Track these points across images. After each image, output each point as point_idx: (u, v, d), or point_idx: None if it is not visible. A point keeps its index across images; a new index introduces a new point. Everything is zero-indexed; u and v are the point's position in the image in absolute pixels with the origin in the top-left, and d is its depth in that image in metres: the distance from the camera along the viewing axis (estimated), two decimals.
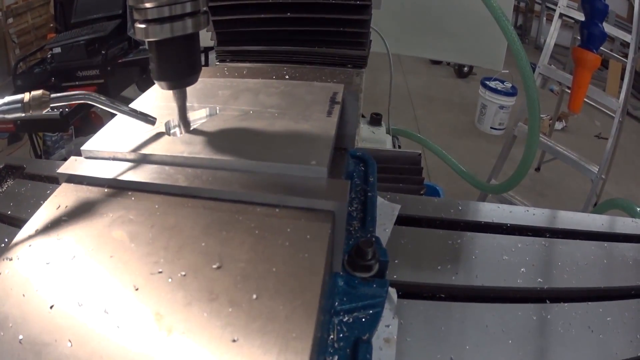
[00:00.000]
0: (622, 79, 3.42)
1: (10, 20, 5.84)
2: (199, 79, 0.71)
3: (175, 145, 0.66)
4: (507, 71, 3.98)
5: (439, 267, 0.82)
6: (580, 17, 2.78)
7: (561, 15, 3.25)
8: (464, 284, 0.79)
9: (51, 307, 0.47)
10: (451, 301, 0.77)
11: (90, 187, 0.62)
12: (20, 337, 0.45)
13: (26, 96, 0.61)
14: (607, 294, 0.82)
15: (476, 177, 2.48)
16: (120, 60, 3.82)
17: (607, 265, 0.87)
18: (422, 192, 1.32)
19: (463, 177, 2.52)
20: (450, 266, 0.82)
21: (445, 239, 0.89)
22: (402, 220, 0.92)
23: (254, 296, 0.45)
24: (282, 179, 0.59)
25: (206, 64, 3.86)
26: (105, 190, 0.61)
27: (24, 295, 0.49)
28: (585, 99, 2.81)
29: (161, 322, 0.44)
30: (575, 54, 2.43)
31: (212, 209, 0.57)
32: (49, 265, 0.52)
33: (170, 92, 0.70)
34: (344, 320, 0.60)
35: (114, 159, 0.65)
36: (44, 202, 0.61)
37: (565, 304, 0.78)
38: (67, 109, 3.04)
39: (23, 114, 0.62)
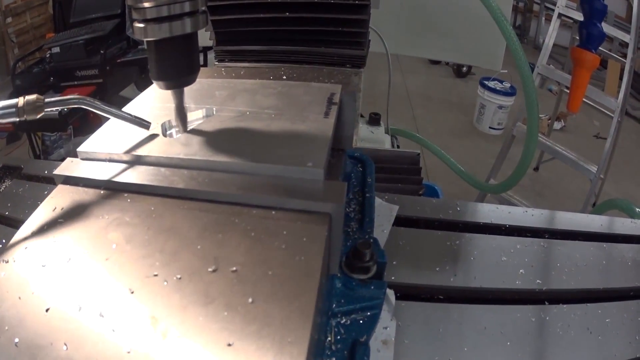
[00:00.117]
0: (620, 78, 3.42)
1: (9, 19, 5.84)
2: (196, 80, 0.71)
3: (171, 147, 0.66)
4: (506, 71, 3.98)
5: (437, 269, 0.82)
6: (579, 17, 2.78)
7: (560, 15, 3.25)
8: (463, 286, 0.79)
9: (47, 310, 0.47)
10: (449, 303, 0.77)
11: (86, 189, 0.62)
12: (16, 340, 0.44)
13: (20, 101, 0.61)
14: (606, 295, 0.82)
15: (475, 177, 2.47)
16: (119, 60, 3.83)
17: (606, 266, 0.87)
18: (420, 192, 1.32)
19: (462, 177, 2.52)
20: (448, 267, 0.82)
21: (444, 240, 0.89)
22: (401, 221, 0.91)
23: (250, 300, 0.45)
24: (278, 180, 0.59)
25: (205, 64, 3.86)
26: (102, 192, 0.61)
27: (20, 297, 0.49)
28: (584, 99, 2.81)
29: (156, 326, 0.43)
30: (574, 54, 2.43)
31: (208, 211, 0.56)
32: (45, 268, 0.51)
33: (168, 92, 0.70)
34: (342, 322, 0.60)
35: (110, 160, 0.65)
36: (41, 202, 0.60)
37: (564, 306, 0.77)
38: (65, 109, 3.04)
39: (17, 119, 0.61)
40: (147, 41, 0.65)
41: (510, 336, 0.71)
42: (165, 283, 0.47)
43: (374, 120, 2.04)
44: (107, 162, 0.65)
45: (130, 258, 0.51)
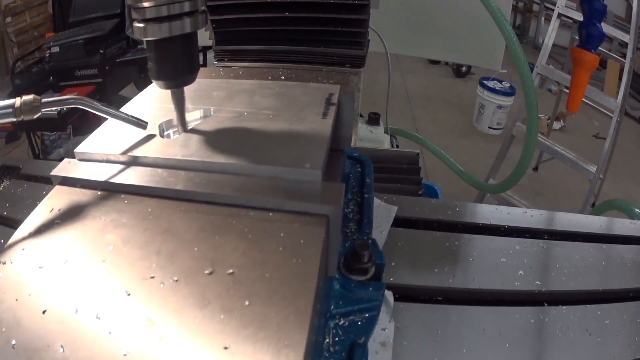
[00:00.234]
0: (620, 79, 3.42)
1: (9, 19, 5.83)
2: None
3: (168, 148, 0.65)
4: (506, 71, 3.98)
5: (436, 270, 0.81)
6: (579, 17, 2.78)
7: (559, 15, 3.25)
8: (461, 287, 0.79)
9: (44, 312, 0.47)
10: (448, 304, 0.77)
11: (83, 190, 0.61)
12: (13, 342, 0.44)
13: (17, 101, 0.61)
14: (606, 296, 0.82)
15: (474, 177, 2.47)
16: (118, 60, 3.82)
17: (605, 268, 0.87)
18: (420, 192, 1.32)
19: (461, 177, 2.52)
20: (447, 269, 0.82)
21: (443, 241, 0.89)
22: (399, 222, 0.91)
23: (246, 302, 0.45)
24: (276, 182, 0.59)
25: (204, 64, 3.86)
26: (99, 193, 0.61)
27: (16, 299, 0.48)
28: (583, 99, 2.81)
29: (153, 329, 0.43)
30: (573, 54, 2.43)
31: (205, 212, 0.56)
32: (41, 269, 0.51)
33: (167, 92, 0.70)
34: (340, 323, 0.60)
35: (107, 161, 0.65)
36: (39, 203, 0.60)
37: (563, 307, 0.77)
38: (64, 109, 3.03)
39: (14, 119, 0.61)
40: (146, 41, 0.65)
41: (509, 338, 0.71)
42: (162, 285, 0.47)
43: (374, 120, 2.04)
44: (105, 163, 0.65)
45: (127, 260, 0.51)
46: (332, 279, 0.63)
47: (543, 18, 7.83)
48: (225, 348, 0.41)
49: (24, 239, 0.55)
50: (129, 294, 0.47)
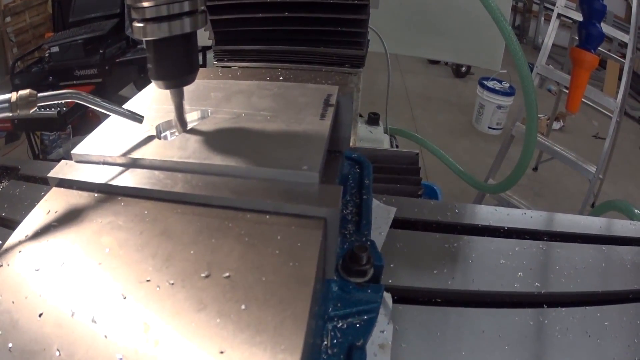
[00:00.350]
0: (619, 79, 3.42)
1: (8, 19, 5.83)
2: None
3: (165, 150, 0.65)
4: (505, 71, 3.98)
5: (435, 272, 0.81)
6: (578, 17, 2.78)
7: (559, 15, 3.25)
8: (461, 289, 0.79)
9: (40, 315, 0.47)
10: (447, 306, 0.76)
11: (80, 192, 0.61)
12: (10, 345, 0.44)
13: (13, 96, 0.61)
14: (605, 298, 0.81)
15: (474, 177, 2.47)
16: (118, 60, 3.82)
17: (605, 269, 0.87)
18: (420, 192, 1.31)
19: (461, 177, 2.52)
20: (446, 270, 0.82)
21: (442, 243, 0.88)
22: (398, 224, 0.91)
23: (243, 306, 0.44)
24: (273, 184, 0.58)
25: (204, 64, 3.86)
26: (95, 195, 0.60)
27: (13, 302, 0.48)
28: (583, 99, 2.81)
29: (148, 333, 0.43)
30: (573, 54, 2.42)
31: (202, 215, 0.56)
32: (38, 272, 0.51)
33: (164, 93, 0.69)
34: (338, 326, 0.59)
35: (104, 163, 0.64)
36: (38, 204, 0.60)
37: (563, 309, 0.77)
38: (64, 108, 3.04)
39: (10, 114, 0.61)
40: (146, 41, 0.64)
41: (509, 340, 0.71)
42: (158, 288, 0.47)
43: (373, 120, 2.04)
44: (102, 165, 0.64)
45: (123, 263, 0.50)
46: (330, 282, 0.63)
47: (543, 18, 7.84)
48: (221, 352, 0.41)
49: (21, 241, 0.55)
50: (125, 297, 0.47)
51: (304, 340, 0.41)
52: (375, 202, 0.91)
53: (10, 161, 1.12)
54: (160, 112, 0.75)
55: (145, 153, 0.64)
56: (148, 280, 0.48)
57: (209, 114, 0.75)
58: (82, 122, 3.49)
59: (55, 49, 3.65)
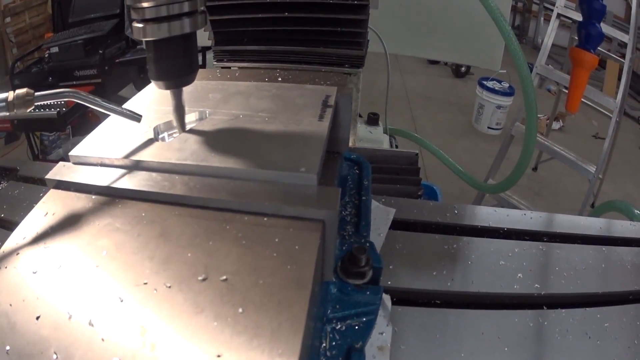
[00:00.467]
0: (619, 79, 3.42)
1: (8, 19, 5.83)
2: None
3: (163, 151, 0.65)
4: (505, 71, 3.98)
5: (434, 273, 0.81)
6: (578, 17, 2.78)
7: (559, 15, 3.25)
8: (460, 290, 0.78)
9: (37, 318, 0.47)
10: (446, 308, 0.76)
11: (78, 194, 0.61)
12: (8, 347, 0.44)
13: (10, 95, 0.61)
14: (605, 299, 0.81)
15: (473, 177, 2.47)
16: (117, 60, 3.82)
17: (605, 270, 0.86)
18: (419, 193, 1.31)
19: (460, 177, 2.51)
20: (445, 272, 0.81)
21: (441, 244, 0.88)
22: (397, 225, 0.90)
23: (240, 310, 0.44)
24: (271, 186, 0.58)
25: (204, 64, 3.86)
26: (93, 197, 0.60)
27: (10, 305, 0.48)
28: (582, 99, 2.81)
29: (145, 336, 0.43)
30: (572, 54, 2.42)
31: (199, 217, 0.55)
32: (35, 275, 0.51)
33: (163, 94, 0.69)
34: (337, 328, 0.59)
35: (102, 165, 0.64)
36: (35, 205, 0.60)
37: (563, 310, 0.77)
38: (64, 109, 3.03)
39: (7, 113, 0.61)
40: (145, 41, 0.64)
41: (508, 341, 0.70)
42: (155, 291, 0.47)
43: (373, 120, 2.04)
44: (99, 167, 0.64)
45: (120, 265, 0.50)
46: (329, 283, 0.63)
47: (542, 18, 7.84)
48: (219, 356, 0.41)
49: (18, 243, 0.55)
50: (122, 300, 0.47)
51: (302, 344, 0.41)
52: (374, 203, 0.90)
53: (9, 162, 1.11)
54: (158, 113, 0.75)
55: (143, 155, 0.64)
56: (145, 283, 0.48)
57: (207, 115, 0.74)
58: (82, 122, 3.49)
59: (55, 50, 3.65)
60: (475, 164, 4.41)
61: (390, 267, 0.80)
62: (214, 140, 0.67)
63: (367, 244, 0.72)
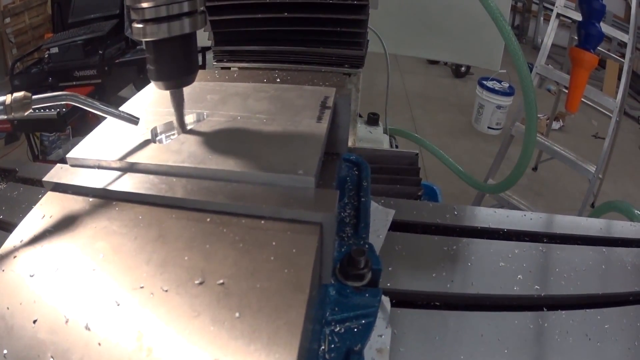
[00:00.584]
0: (619, 78, 3.42)
1: (8, 20, 5.84)
2: None
3: (160, 153, 0.64)
4: (505, 71, 3.98)
5: (434, 275, 0.80)
6: (578, 17, 2.78)
7: (558, 15, 3.25)
8: (460, 292, 0.78)
9: (34, 322, 0.46)
10: (446, 310, 0.76)
11: (75, 197, 0.61)
12: (5, 351, 0.44)
13: (8, 98, 0.61)
14: (605, 300, 0.81)
15: (473, 177, 2.46)
16: (117, 60, 3.82)
17: (605, 271, 0.86)
18: (419, 193, 1.31)
19: (460, 177, 2.51)
20: (445, 273, 0.81)
21: (441, 245, 0.88)
22: (397, 226, 0.90)
23: (237, 314, 0.44)
24: (268, 189, 0.58)
25: (203, 64, 3.86)
26: (90, 199, 0.60)
27: (8, 308, 0.48)
28: (582, 99, 2.81)
29: (142, 341, 0.42)
30: (572, 53, 2.42)
31: (197, 220, 0.55)
32: (32, 278, 0.51)
33: (161, 95, 0.69)
34: (336, 330, 0.59)
35: (99, 167, 0.64)
36: (33, 207, 0.60)
37: (563, 312, 0.76)
38: (64, 109, 3.03)
39: (5, 116, 0.61)
40: (145, 41, 0.64)
41: (508, 343, 0.70)
42: (152, 295, 0.46)
43: (373, 120, 2.04)
44: (96, 169, 0.64)
45: (117, 269, 0.50)
46: (327, 285, 0.63)
47: (542, 18, 7.85)
48: None
49: (15, 246, 0.55)
50: (118, 304, 0.46)
51: (299, 349, 0.40)
52: (373, 205, 0.90)
53: (8, 163, 1.11)
54: (156, 114, 0.75)
55: (140, 157, 0.64)
56: (142, 287, 0.47)
57: (205, 117, 0.74)
58: (82, 122, 3.49)
59: (55, 50, 3.66)
60: (475, 163, 4.41)
61: (390, 268, 0.80)
62: (212, 142, 0.67)
63: (366, 246, 0.71)
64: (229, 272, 0.48)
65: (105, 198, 0.60)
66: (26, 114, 0.62)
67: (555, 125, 5.39)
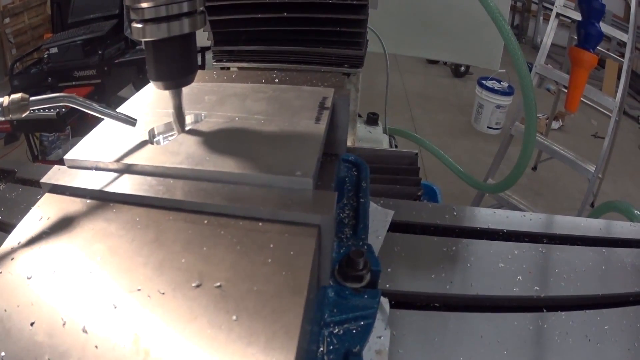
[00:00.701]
0: (618, 78, 3.42)
1: (7, 20, 5.83)
2: None
3: (158, 155, 0.64)
4: (504, 71, 3.98)
5: (433, 276, 0.80)
6: (577, 16, 2.78)
7: (558, 14, 3.25)
8: (459, 293, 0.78)
9: (32, 324, 0.46)
10: (445, 311, 0.75)
11: (72, 198, 0.61)
12: (2, 354, 0.44)
13: (5, 100, 0.61)
14: (605, 301, 0.80)
15: (473, 177, 2.46)
16: (117, 61, 3.82)
17: (605, 272, 0.86)
18: (419, 193, 1.31)
19: (460, 177, 2.51)
20: (444, 274, 0.81)
21: (440, 246, 0.87)
22: (396, 227, 0.90)
23: (234, 317, 0.43)
24: (266, 191, 0.57)
25: (203, 64, 3.86)
26: (87, 201, 0.60)
27: (5, 310, 0.48)
28: (581, 99, 2.81)
29: (138, 344, 0.42)
30: (572, 53, 2.43)
31: (194, 222, 0.55)
32: (30, 280, 0.51)
33: (159, 96, 0.69)
34: (334, 332, 0.59)
35: (97, 168, 0.64)
36: (31, 209, 0.60)
37: (563, 313, 0.76)
38: (63, 109, 3.03)
39: (3, 118, 0.61)
40: (145, 41, 0.64)
41: (508, 345, 0.70)
42: (149, 298, 0.46)
43: (372, 120, 2.04)
44: (94, 171, 0.64)
45: (114, 271, 0.50)
46: (326, 287, 0.62)
47: (541, 18, 7.85)
48: None
49: (13, 248, 0.55)
50: (115, 307, 0.46)
51: (296, 353, 0.40)
52: (372, 205, 0.90)
53: (7, 164, 1.11)
54: (154, 115, 0.75)
55: (138, 158, 0.63)
56: (139, 290, 0.47)
57: (203, 118, 0.74)
58: (81, 122, 3.49)
59: (54, 50, 3.65)
60: (474, 163, 4.41)
61: (389, 269, 0.80)
62: (209, 143, 0.66)
63: (365, 247, 0.71)
64: (226, 274, 0.48)
65: (103, 200, 0.59)
66: (24, 115, 0.62)
67: (555, 124, 5.38)
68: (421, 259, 0.85)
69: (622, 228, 1.00)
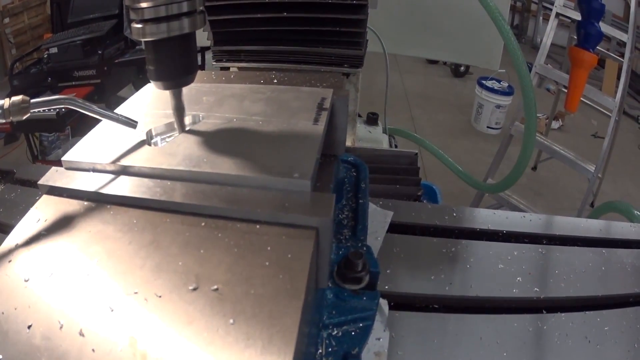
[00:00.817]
0: (618, 78, 3.42)
1: (7, 20, 5.84)
2: None
3: (155, 156, 0.64)
4: (504, 70, 3.98)
5: (432, 277, 0.80)
6: (577, 16, 2.78)
7: (558, 14, 3.25)
8: (458, 295, 0.78)
9: (29, 327, 0.46)
10: (445, 312, 0.75)
11: (70, 200, 0.60)
12: (0, 357, 0.43)
13: (6, 102, 0.60)
14: (605, 302, 0.80)
15: (473, 177, 2.46)
16: (116, 60, 3.83)
17: (605, 273, 0.86)
18: (419, 193, 1.30)
19: (460, 177, 2.51)
20: (444, 276, 0.80)
21: (440, 247, 0.87)
22: (395, 228, 0.90)
23: (231, 321, 0.43)
24: (263, 193, 0.57)
25: (202, 64, 3.86)
26: (85, 203, 0.59)
27: (2, 313, 0.48)
28: (581, 98, 2.80)
29: (135, 347, 0.42)
30: (571, 53, 2.42)
31: (191, 224, 0.54)
32: (27, 283, 0.50)
33: (157, 97, 0.69)
34: (333, 334, 0.58)
35: (94, 170, 0.63)
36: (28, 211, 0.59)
37: (562, 314, 0.76)
38: (63, 110, 3.03)
39: (3, 120, 0.61)
40: (145, 41, 0.64)
41: (507, 346, 0.70)
42: (146, 301, 0.46)
43: (372, 120, 2.03)
44: (92, 172, 0.63)
45: (111, 274, 0.50)
46: (325, 288, 0.62)
47: (541, 17, 7.86)
48: None
49: (10, 250, 0.54)
50: (112, 310, 0.46)
51: (294, 357, 0.40)
52: (371, 206, 0.89)
53: (6, 164, 1.11)
54: (153, 116, 0.74)
55: (135, 160, 0.63)
56: (136, 293, 0.47)
57: (201, 119, 0.74)
58: (81, 123, 3.49)
59: (54, 50, 3.66)
60: (474, 163, 4.41)
61: (388, 271, 0.80)
62: (207, 145, 0.66)
63: (364, 248, 0.71)
64: (223, 277, 0.47)
65: (100, 201, 0.59)
66: (24, 117, 0.62)
67: (555, 124, 5.39)
68: (420, 260, 0.85)
69: (622, 229, 0.99)
